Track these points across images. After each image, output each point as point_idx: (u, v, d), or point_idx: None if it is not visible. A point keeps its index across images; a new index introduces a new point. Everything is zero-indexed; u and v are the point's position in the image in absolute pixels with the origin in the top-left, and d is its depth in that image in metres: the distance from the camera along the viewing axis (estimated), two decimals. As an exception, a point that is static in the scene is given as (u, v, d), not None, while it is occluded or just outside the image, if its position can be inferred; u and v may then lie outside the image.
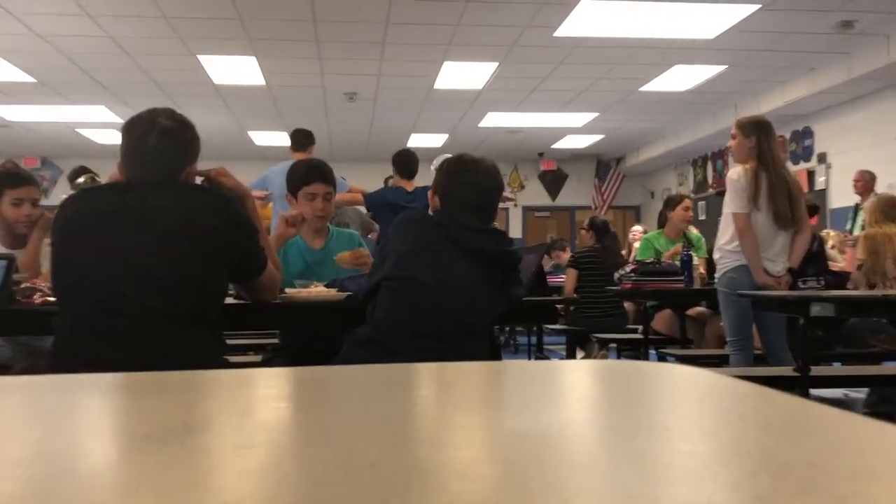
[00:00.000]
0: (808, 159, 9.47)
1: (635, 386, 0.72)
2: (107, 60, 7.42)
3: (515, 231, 14.06)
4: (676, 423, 0.55)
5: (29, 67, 7.64)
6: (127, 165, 1.99)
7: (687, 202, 5.72)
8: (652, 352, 5.25)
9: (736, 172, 3.88)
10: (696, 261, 4.94)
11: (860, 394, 4.64)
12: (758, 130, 3.87)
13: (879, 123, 8.17)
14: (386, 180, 6.73)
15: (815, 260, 4.20)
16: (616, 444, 0.48)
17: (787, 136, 9.72)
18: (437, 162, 2.57)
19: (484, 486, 0.39)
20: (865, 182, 6.98)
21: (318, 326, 2.73)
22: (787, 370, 3.66)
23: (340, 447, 0.46)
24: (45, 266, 2.70)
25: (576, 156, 13.45)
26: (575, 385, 0.78)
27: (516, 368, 0.93)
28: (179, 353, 1.86)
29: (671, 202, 5.75)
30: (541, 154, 13.41)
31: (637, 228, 8.18)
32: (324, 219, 2.91)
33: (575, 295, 6.11)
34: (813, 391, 3.78)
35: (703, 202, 11.94)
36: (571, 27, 6.54)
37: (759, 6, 6.08)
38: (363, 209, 5.71)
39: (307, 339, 2.88)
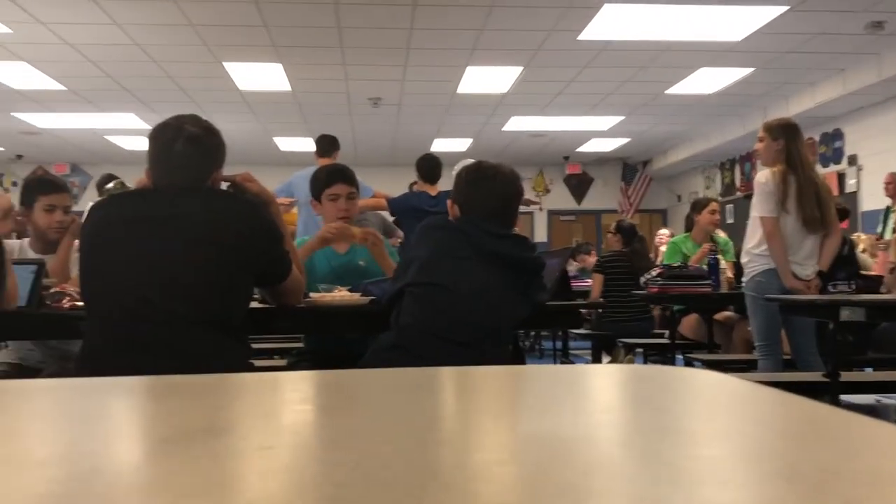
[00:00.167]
0: (838, 161, 9.35)
1: (654, 390, 0.72)
2: (135, 68, 7.52)
3: (541, 235, 14.02)
4: (692, 427, 0.55)
5: (59, 76, 7.76)
6: (154, 172, 2.02)
7: (714, 205, 5.67)
8: (679, 357, 5.20)
9: (764, 175, 3.84)
10: (723, 264, 4.89)
11: (893, 399, 4.56)
12: (786, 133, 3.83)
13: (911, 125, 8.06)
14: (411, 185, 6.76)
15: (845, 263, 4.14)
16: (630, 447, 0.48)
17: (817, 138, 9.60)
18: (458, 168, 2.57)
19: (500, 487, 0.39)
20: (897, 184, 6.88)
21: (342, 331, 2.74)
22: (816, 375, 3.62)
23: (359, 449, 0.47)
24: (75, 271, 2.74)
25: (601, 159, 13.40)
26: (596, 389, 0.78)
27: (538, 372, 0.92)
28: (205, 357, 1.87)
29: (698, 205, 5.71)
30: (566, 158, 13.37)
31: (663, 232, 8.13)
32: (348, 220, 2.93)
33: (601, 300, 6.08)
34: (844, 397, 3.73)
35: (731, 205, 11.83)
36: (596, 31, 6.52)
37: (788, 7, 6.02)
38: (387, 214, 5.74)
39: (332, 344, 2.90)
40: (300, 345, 3.28)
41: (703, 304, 4.93)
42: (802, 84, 8.47)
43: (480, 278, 2.22)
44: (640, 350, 5.97)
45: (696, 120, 10.34)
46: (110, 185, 4.04)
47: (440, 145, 11.38)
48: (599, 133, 11.11)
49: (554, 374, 0.93)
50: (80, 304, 2.24)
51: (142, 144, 2.05)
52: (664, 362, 5.44)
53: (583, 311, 5.98)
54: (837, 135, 9.35)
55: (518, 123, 10.34)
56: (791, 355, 3.97)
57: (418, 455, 0.45)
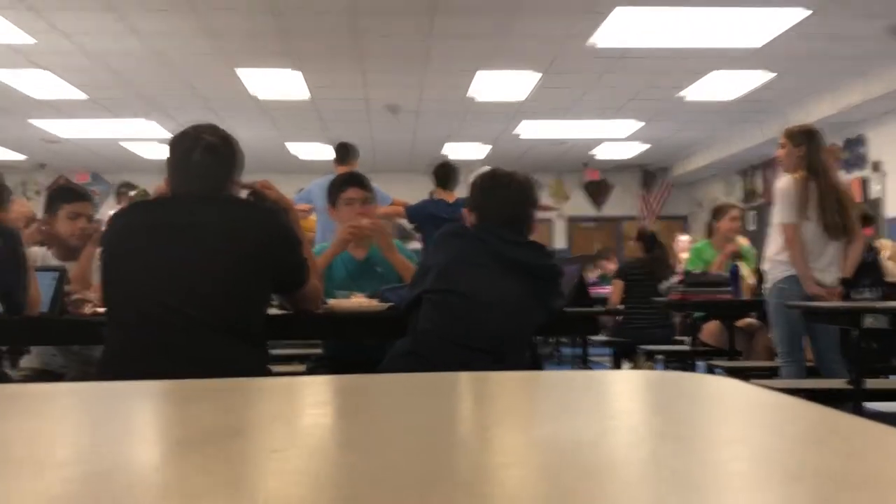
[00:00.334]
0: (861, 167, 9.25)
1: (669, 396, 0.72)
2: (155, 77, 7.60)
3: (560, 242, 13.98)
4: (703, 433, 0.54)
5: (80, 85, 7.86)
6: (173, 180, 2.04)
7: (734, 212, 5.63)
8: (700, 364, 5.17)
9: (784, 182, 3.81)
10: (745, 271, 4.86)
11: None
12: (807, 139, 3.80)
13: (935, 130, 7.96)
14: (431, 193, 6.77)
15: (869, 270, 4.09)
16: (639, 452, 0.48)
17: (840, 143, 9.51)
18: (473, 176, 2.58)
19: (507, 490, 0.39)
20: (921, 190, 6.79)
21: (359, 337, 2.75)
22: (839, 383, 3.58)
23: (370, 452, 0.47)
24: (96, 279, 2.77)
25: (620, 166, 13.35)
26: (612, 394, 0.78)
27: (554, 377, 0.92)
28: (224, 363, 1.88)
29: (718, 212, 5.67)
30: (585, 164, 13.33)
31: (684, 238, 8.08)
32: None
33: (621, 306, 6.06)
34: (868, 405, 3.68)
35: (753, 212, 11.74)
36: (615, 37, 6.51)
37: (810, 12, 5.97)
38: (405, 222, 5.75)
39: (350, 350, 2.91)
40: (319, 351, 3.29)
41: (725, 311, 4.90)
42: (824, 89, 8.40)
43: (498, 285, 2.22)
44: (660, 357, 5.93)
45: (716, 126, 10.28)
46: (132, 192, 4.09)
47: (458, 152, 11.39)
48: (618, 139, 11.07)
49: (570, 379, 0.93)
50: (101, 310, 2.26)
51: (161, 153, 2.07)
52: (685, 369, 5.40)
53: (602, 317, 5.96)
54: (860, 140, 9.26)
55: (536, 130, 10.32)
56: (814, 362, 3.93)
57: (428, 458, 0.45)
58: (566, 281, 2.47)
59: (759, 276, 4.62)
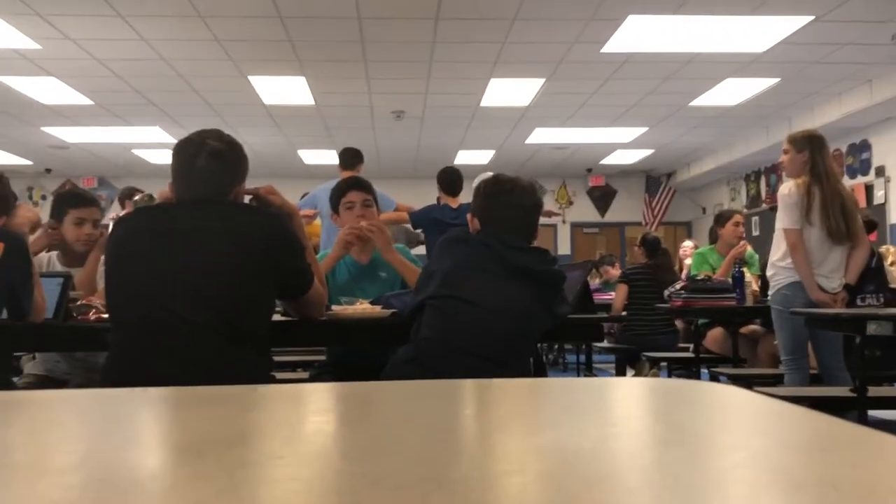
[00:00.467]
0: (865, 173, 9.24)
1: (671, 404, 0.72)
2: (161, 83, 7.63)
3: (564, 247, 13.98)
4: (703, 440, 0.54)
5: (87, 90, 7.89)
6: (177, 186, 2.05)
7: (737, 218, 5.62)
8: (704, 371, 5.15)
9: (787, 187, 3.81)
10: (748, 277, 4.85)
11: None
12: (810, 144, 3.80)
13: (940, 136, 7.95)
14: (438, 199, 6.78)
15: (873, 276, 4.08)
16: (638, 459, 0.48)
17: (844, 149, 9.50)
18: (477, 181, 2.58)
19: (510, 497, 0.39)
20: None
21: (364, 343, 2.75)
22: (843, 390, 3.57)
23: (370, 459, 0.47)
24: (101, 284, 2.77)
25: (625, 171, 13.35)
26: (614, 402, 0.78)
27: (556, 384, 0.92)
28: (227, 369, 1.89)
29: (721, 218, 5.67)
30: (589, 170, 13.33)
31: (687, 244, 8.06)
32: None
33: (624, 313, 6.05)
34: (872, 413, 3.67)
35: (757, 217, 11.72)
36: (619, 43, 6.52)
37: (813, 17, 5.98)
38: (409, 227, 5.76)
39: (355, 357, 2.91)
40: (323, 358, 3.30)
41: (728, 318, 4.89)
42: (829, 95, 8.40)
43: (504, 292, 2.22)
44: (664, 364, 5.92)
45: (720, 131, 10.27)
46: (137, 197, 4.10)
47: (463, 157, 11.41)
48: (623, 145, 11.08)
49: (573, 386, 0.93)
50: (106, 316, 2.27)
51: (167, 158, 2.08)
52: (689, 376, 5.39)
53: (605, 324, 5.96)
54: (865, 146, 9.25)
55: (540, 135, 10.33)
56: (818, 370, 3.92)
57: (428, 465, 0.46)
58: (570, 287, 2.47)
59: (763, 282, 4.62)
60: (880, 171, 8.97)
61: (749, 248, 5.81)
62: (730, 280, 4.82)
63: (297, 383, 1.85)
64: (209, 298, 1.90)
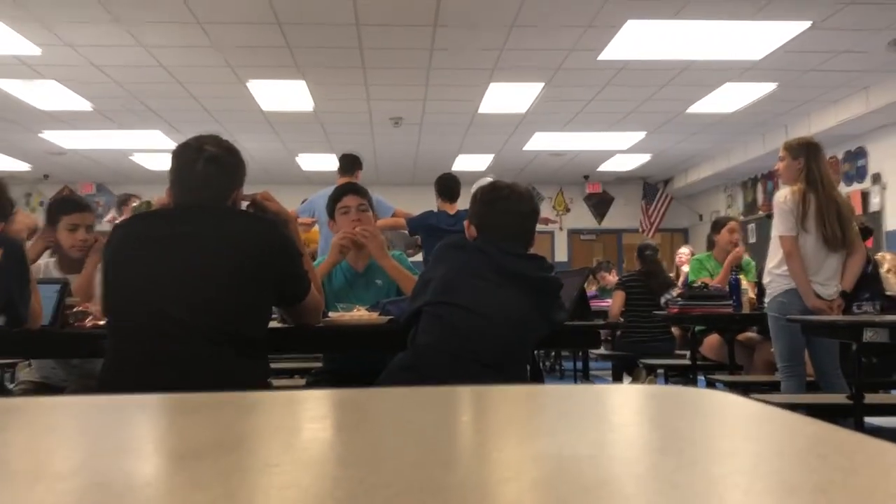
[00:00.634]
0: (861, 180, 9.26)
1: (667, 411, 0.72)
2: (160, 89, 7.64)
3: (561, 254, 13.99)
4: (698, 447, 0.55)
5: (86, 96, 7.90)
6: (175, 191, 2.05)
7: (732, 224, 5.64)
8: (701, 378, 5.15)
9: (783, 194, 3.82)
10: (745, 285, 4.85)
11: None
12: (806, 151, 3.82)
13: (936, 143, 7.97)
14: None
15: (869, 283, 4.09)
16: (634, 466, 0.48)
17: (840, 156, 9.52)
18: (474, 188, 2.58)
19: (501, 505, 0.39)
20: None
21: (360, 350, 2.75)
22: (839, 398, 3.57)
23: (365, 466, 0.47)
24: (99, 291, 2.77)
25: (622, 178, 13.37)
26: (610, 409, 0.78)
27: (553, 391, 0.92)
28: (224, 375, 1.88)
29: (717, 225, 5.69)
30: (586, 177, 13.36)
31: (683, 251, 8.07)
32: None
33: (621, 319, 6.06)
34: (868, 420, 3.67)
35: (753, 224, 11.74)
36: (617, 49, 6.54)
37: (809, 24, 6.00)
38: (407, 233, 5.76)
39: (351, 364, 2.90)
40: (320, 365, 3.29)
41: (725, 325, 4.89)
42: (825, 102, 8.43)
43: (501, 298, 2.22)
44: (661, 371, 5.92)
45: (717, 138, 10.30)
46: (135, 203, 4.10)
47: (462, 164, 11.42)
48: (620, 151, 11.10)
49: (569, 393, 0.93)
50: (102, 323, 2.27)
51: (166, 164, 2.08)
52: (686, 383, 5.39)
53: (602, 331, 5.96)
54: (861, 153, 9.28)
55: (538, 142, 10.35)
56: (814, 377, 3.92)
57: (426, 472, 0.46)
58: (567, 294, 2.47)
59: (760, 289, 4.62)
60: (876, 178, 8.99)
61: (746, 255, 5.82)
62: (726, 287, 4.83)
63: (294, 390, 1.84)
64: (206, 304, 1.90)
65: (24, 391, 2.99)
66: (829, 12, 5.76)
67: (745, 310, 4.69)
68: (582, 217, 14.24)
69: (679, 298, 4.76)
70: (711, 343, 5.32)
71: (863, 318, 3.57)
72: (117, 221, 2.75)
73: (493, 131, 9.65)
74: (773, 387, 4.14)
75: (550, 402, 0.80)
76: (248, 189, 2.17)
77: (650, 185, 13.69)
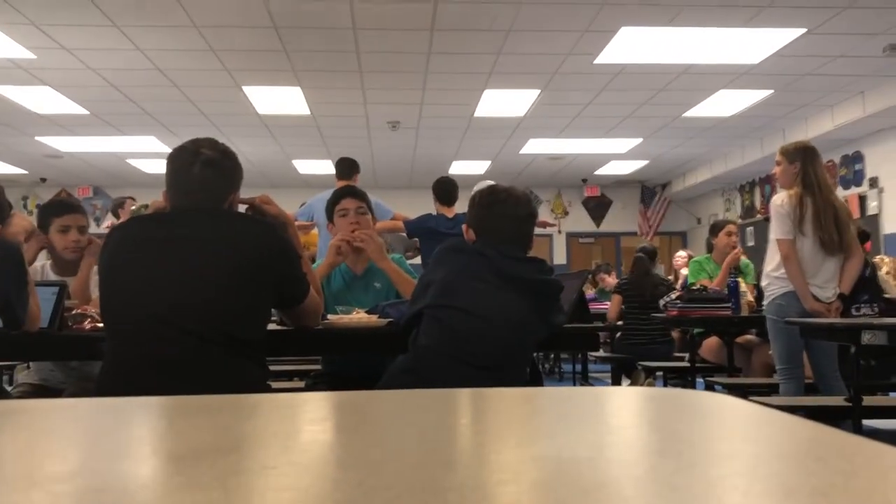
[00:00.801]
0: (859, 184, 9.28)
1: (666, 413, 0.72)
2: (156, 93, 7.64)
3: (559, 257, 13.99)
4: (697, 450, 0.54)
5: (82, 100, 7.89)
6: (171, 195, 2.04)
7: (730, 227, 5.65)
8: (700, 380, 5.15)
9: (780, 198, 3.83)
10: (743, 287, 4.86)
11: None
12: (802, 156, 3.83)
13: (933, 146, 7.99)
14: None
15: (867, 286, 4.10)
16: (632, 468, 0.48)
17: (837, 160, 9.54)
18: (474, 191, 2.58)
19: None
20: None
21: (359, 352, 2.75)
22: (838, 400, 3.57)
23: (364, 469, 0.47)
24: (96, 293, 2.76)
25: (620, 182, 13.38)
26: (609, 411, 0.78)
27: (552, 394, 0.92)
28: (222, 377, 1.88)
29: (715, 228, 5.70)
30: (584, 180, 13.37)
31: (681, 254, 8.08)
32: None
33: (619, 322, 6.07)
34: (867, 422, 3.67)
35: (751, 228, 11.76)
36: (613, 54, 6.55)
37: (805, 30, 6.01)
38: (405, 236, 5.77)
39: (350, 366, 2.90)
40: (319, 367, 3.29)
41: (724, 328, 4.90)
42: (822, 106, 8.45)
43: (501, 301, 2.22)
44: (660, 373, 5.93)
45: (714, 142, 10.31)
46: (134, 207, 4.09)
47: (459, 168, 11.43)
48: (618, 156, 11.11)
49: (568, 395, 0.93)
50: (101, 325, 2.26)
51: (162, 167, 2.07)
52: (684, 386, 5.40)
53: (601, 333, 5.97)
54: (858, 157, 9.29)
55: (536, 146, 10.36)
56: (813, 379, 3.92)
57: (421, 474, 0.46)
58: (565, 297, 2.47)
59: (759, 292, 4.63)
60: (874, 182, 9.01)
61: (744, 258, 5.83)
62: (725, 290, 4.83)
63: (293, 392, 1.84)
64: (204, 307, 1.90)
65: (23, 393, 2.98)
66: (824, 18, 5.77)
67: (744, 312, 4.70)
68: (580, 220, 14.25)
69: (678, 301, 4.76)
70: (710, 345, 5.32)
71: (861, 321, 3.58)
72: (114, 224, 2.75)
73: (490, 135, 9.66)
74: (772, 389, 4.14)
75: (549, 405, 0.80)
76: (245, 193, 2.17)
77: (648, 189, 13.70)
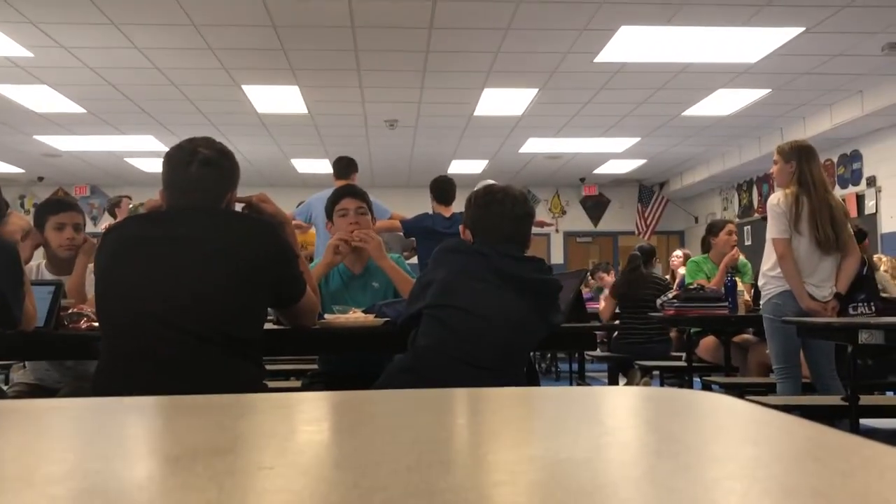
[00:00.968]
0: (856, 183, 9.29)
1: (662, 413, 0.71)
2: (154, 91, 7.63)
3: (557, 257, 13.99)
4: (694, 450, 0.54)
5: (80, 99, 7.88)
6: (169, 194, 2.04)
7: (730, 227, 5.65)
8: (696, 379, 5.16)
9: (776, 197, 3.84)
10: (741, 287, 4.86)
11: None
12: (797, 155, 3.83)
13: (930, 146, 8.00)
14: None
15: (864, 285, 4.10)
16: (629, 469, 0.48)
17: (835, 159, 9.55)
18: (478, 188, 2.58)
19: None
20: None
21: (356, 352, 2.75)
22: (835, 399, 3.58)
23: (360, 469, 0.47)
24: (92, 292, 2.76)
25: (618, 181, 13.39)
26: (605, 411, 0.78)
27: (549, 394, 0.92)
28: (218, 377, 1.88)
29: (714, 228, 5.70)
30: (582, 179, 13.37)
31: (678, 254, 8.08)
32: None
33: (616, 322, 6.07)
34: (864, 421, 3.68)
35: (749, 227, 11.77)
36: (612, 53, 6.55)
37: (803, 29, 6.02)
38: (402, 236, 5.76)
39: (347, 366, 2.90)
40: (315, 367, 3.29)
41: (721, 327, 4.90)
42: (820, 105, 8.45)
43: (501, 301, 2.22)
44: (656, 373, 5.93)
45: (712, 141, 10.32)
46: (131, 206, 4.08)
47: (457, 167, 11.42)
48: (615, 155, 11.11)
49: (565, 395, 0.93)
50: (97, 324, 2.26)
51: (160, 166, 2.07)
52: (681, 385, 5.40)
53: (598, 332, 5.97)
54: (856, 156, 9.30)
55: (534, 145, 10.36)
56: (810, 378, 3.93)
57: (417, 475, 0.45)
58: (563, 296, 2.47)
59: (756, 291, 4.63)
60: (871, 181, 9.02)
61: (742, 257, 5.83)
62: (722, 289, 4.83)
63: (290, 392, 1.84)
64: (201, 306, 1.89)
65: (18, 393, 2.98)
66: (822, 17, 5.78)
67: (741, 312, 4.70)
68: (578, 219, 14.25)
69: (675, 300, 4.76)
70: (707, 345, 5.32)
71: (858, 320, 3.58)
72: (109, 224, 2.75)
73: (488, 134, 9.66)
74: (769, 388, 4.14)
75: (546, 405, 0.80)
76: (243, 192, 2.17)
77: (646, 188, 13.71)
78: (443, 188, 5.57)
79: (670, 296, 4.92)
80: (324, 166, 10.50)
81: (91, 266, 2.84)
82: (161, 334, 1.85)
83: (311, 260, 3.67)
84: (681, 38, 6.18)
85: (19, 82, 7.26)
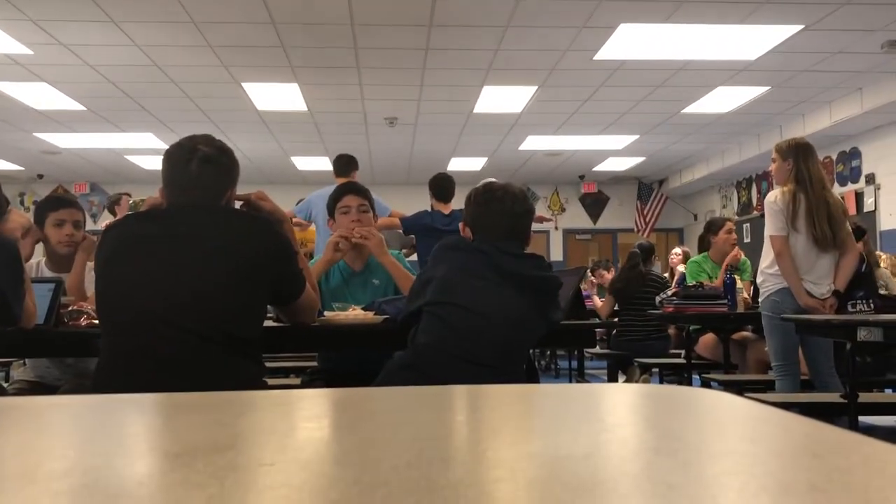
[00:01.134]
0: (855, 180, 9.29)
1: (660, 410, 0.72)
2: (154, 89, 7.62)
3: (556, 254, 14.00)
4: (692, 447, 0.55)
5: (79, 96, 7.87)
6: (169, 191, 2.04)
7: (730, 225, 5.65)
8: (696, 376, 5.17)
9: (773, 195, 3.84)
10: (740, 284, 4.87)
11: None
12: (795, 153, 3.83)
13: (929, 143, 8.00)
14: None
15: (863, 282, 4.10)
16: (628, 466, 0.48)
17: (834, 157, 9.55)
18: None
19: (494, 503, 0.39)
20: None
21: (355, 349, 2.75)
22: (834, 396, 3.58)
23: (360, 466, 0.47)
24: (92, 290, 2.76)
25: (617, 178, 13.38)
26: (604, 408, 0.78)
27: (548, 391, 0.92)
28: (218, 375, 1.88)
29: (713, 226, 5.69)
30: (581, 177, 13.37)
31: (676, 251, 8.08)
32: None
33: (615, 319, 6.07)
34: (862, 418, 3.68)
35: (748, 224, 11.77)
36: (611, 50, 6.55)
37: (802, 27, 6.01)
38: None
39: (347, 363, 2.90)
40: (315, 364, 3.29)
41: (719, 324, 4.91)
42: (819, 103, 8.45)
43: (500, 298, 2.22)
44: (655, 370, 5.93)
45: (712, 139, 10.32)
46: (131, 202, 4.08)
47: (457, 164, 11.42)
48: (615, 152, 11.11)
49: (564, 392, 0.93)
50: (97, 322, 2.26)
51: (160, 164, 2.07)
52: (680, 382, 5.41)
53: (597, 330, 5.98)
54: (855, 153, 9.30)
55: (533, 142, 10.35)
56: (809, 376, 3.93)
57: (418, 472, 0.46)
58: (562, 293, 2.47)
59: (755, 288, 4.63)
60: (870, 179, 9.02)
61: (742, 255, 5.83)
62: (721, 287, 4.84)
63: (289, 389, 1.84)
64: (200, 304, 1.90)
65: (19, 390, 2.98)
66: (821, 14, 5.77)
67: (740, 309, 4.71)
68: (577, 217, 14.25)
69: (674, 298, 4.77)
70: (706, 342, 5.33)
71: (857, 318, 3.58)
72: (109, 222, 2.75)
73: (488, 131, 9.65)
74: (768, 386, 4.15)
75: (546, 402, 0.81)
76: (243, 189, 2.17)
77: (645, 185, 13.71)
78: (442, 185, 5.57)
79: (669, 293, 4.92)
80: (323, 164, 10.49)
81: (91, 264, 2.84)
82: (161, 332, 1.86)
83: (311, 257, 3.67)
84: (680, 35, 6.17)
85: (19, 80, 7.25)
